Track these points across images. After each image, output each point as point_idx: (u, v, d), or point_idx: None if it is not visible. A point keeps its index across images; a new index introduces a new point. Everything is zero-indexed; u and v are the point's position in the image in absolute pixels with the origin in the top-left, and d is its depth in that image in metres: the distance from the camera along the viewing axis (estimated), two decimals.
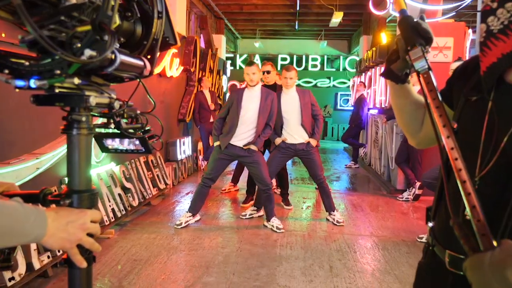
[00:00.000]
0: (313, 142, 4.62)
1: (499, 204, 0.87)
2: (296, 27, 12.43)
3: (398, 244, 3.99)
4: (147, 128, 1.11)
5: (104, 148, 1.14)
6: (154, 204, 5.25)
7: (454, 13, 5.90)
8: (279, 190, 5.54)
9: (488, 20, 0.91)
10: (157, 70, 5.80)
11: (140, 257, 3.54)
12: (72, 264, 0.93)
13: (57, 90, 0.85)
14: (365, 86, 8.90)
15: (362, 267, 3.45)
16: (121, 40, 0.94)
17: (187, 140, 7.06)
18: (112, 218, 4.10)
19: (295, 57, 14.85)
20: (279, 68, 14.47)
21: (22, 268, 2.74)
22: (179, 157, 6.61)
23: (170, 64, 6.36)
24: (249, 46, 15.00)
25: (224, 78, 11.09)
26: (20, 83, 0.83)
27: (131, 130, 1.06)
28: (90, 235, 0.92)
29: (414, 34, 1.00)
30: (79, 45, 0.79)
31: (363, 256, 3.71)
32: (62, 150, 3.41)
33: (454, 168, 0.85)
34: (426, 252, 1.18)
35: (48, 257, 3.04)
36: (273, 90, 5.16)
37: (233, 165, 6.89)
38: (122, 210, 4.33)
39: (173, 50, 6.31)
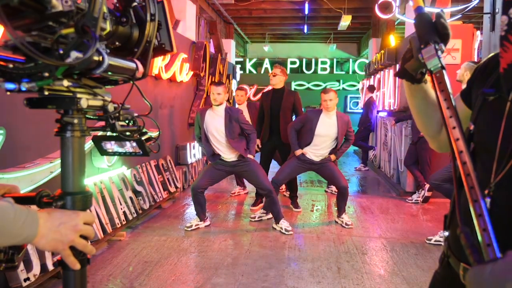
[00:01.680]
0: (333, 158, 4.69)
1: None
2: (305, 31, 12.48)
3: (406, 246, 4.00)
4: (144, 131, 1.10)
5: (103, 151, 1.16)
6: (165, 207, 5.33)
7: (461, 15, 5.89)
8: (288, 193, 5.58)
9: (511, 12, 0.84)
10: (167, 75, 5.90)
11: (151, 259, 3.61)
12: (66, 266, 0.93)
13: (46, 93, 0.87)
14: (369, 91, 8.89)
15: (370, 269, 3.47)
16: (117, 44, 0.95)
17: (197, 144, 7.14)
18: (124, 220, 4.18)
19: (304, 60, 14.90)
20: (288, 71, 14.55)
21: (36, 269, 2.83)
22: (189, 161, 6.69)
23: (180, 69, 6.45)
24: (258, 50, 15.09)
25: (234, 83, 11.17)
26: (10, 86, 0.83)
27: (127, 133, 1.06)
28: (84, 237, 0.91)
29: (429, 31, 0.95)
30: (61, 49, 0.80)
31: (371, 258, 3.73)
32: None
33: (462, 172, 0.81)
34: (441, 262, 1.13)
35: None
36: (280, 94, 5.23)
37: None
38: (133, 213, 4.41)
39: (183, 56, 6.41)
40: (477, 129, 0.95)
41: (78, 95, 0.91)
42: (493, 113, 0.92)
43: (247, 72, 14.88)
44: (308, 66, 14.82)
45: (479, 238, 0.73)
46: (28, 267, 2.78)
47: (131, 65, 0.97)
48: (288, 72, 14.91)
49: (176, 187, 5.79)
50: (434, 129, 1.16)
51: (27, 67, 0.82)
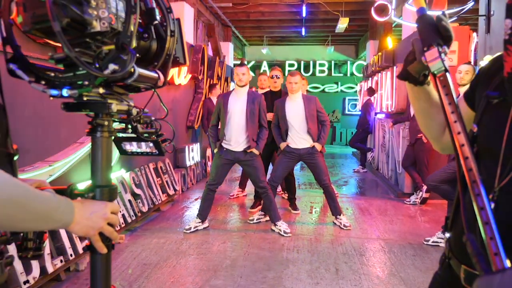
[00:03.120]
0: (318, 147, 4.67)
1: None
2: (303, 33, 12.53)
3: (404, 247, 4.02)
4: (160, 133, 1.24)
5: (122, 151, 1.29)
6: (164, 209, 5.35)
7: (456, 17, 5.93)
8: (287, 194, 5.60)
9: None
10: None
11: (150, 261, 3.62)
12: (94, 250, 1.05)
13: (85, 98, 1.01)
14: (369, 94, 8.92)
15: (368, 270, 3.49)
16: (137, 56, 1.05)
17: (196, 147, 7.17)
18: (123, 223, 4.19)
19: (302, 63, 14.95)
20: (286, 73, 14.58)
21: (36, 272, 2.84)
22: (188, 164, 6.71)
23: (178, 72, 6.48)
24: (256, 53, 15.13)
25: (232, 85, 11.19)
26: (54, 92, 0.98)
27: (146, 134, 1.20)
28: (110, 225, 1.03)
29: (432, 33, 0.94)
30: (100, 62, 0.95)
31: (369, 259, 3.75)
32: (73, 157, 3.52)
33: (467, 179, 0.79)
34: (442, 264, 1.12)
35: (61, 261, 3.13)
36: (279, 97, 5.27)
37: (239, 171, 6.98)
38: (132, 216, 4.42)
39: None
40: (481, 132, 0.95)
41: (109, 101, 1.05)
42: (497, 116, 0.92)
43: None
44: (306, 69, 14.87)
45: (486, 247, 0.71)
46: (28, 269, 2.79)
47: (154, 75, 1.10)
48: (286, 74, 14.96)
49: (175, 190, 5.80)
50: (437, 131, 1.15)
51: (67, 76, 0.97)
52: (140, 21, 1.04)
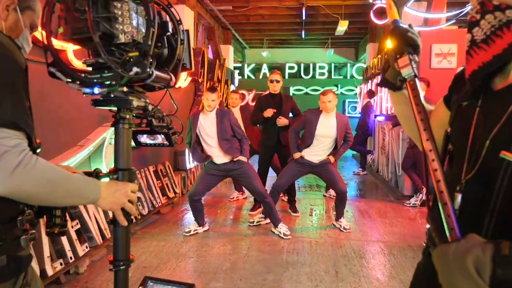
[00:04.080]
0: (332, 159, 4.67)
1: (482, 205, 0.89)
2: (303, 36, 12.55)
3: (404, 250, 4.03)
4: (170, 126, 1.46)
5: (137, 143, 1.50)
6: (163, 212, 5.35)
7: (455, 20, 5.95)
8: (286, 197, 5.61)
9: (473, 31, 0.96)
10: None
11: (150, 264, 3.63)
12: (117, 223, 1.29)
13: (112, 95, 1.22)
14: (369, 96, 8.94)
15: (368, 272, 3.49)
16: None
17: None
18: None
19: (302, 65, 14.96)
20: (286, 76, 14.59)
21: None
22: (187, 166, 6.71)
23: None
24: (256, 56, 15.16)
25: (232, 88, 11.22)
26: (87, 90, 1.20)
27: (159, 128, 1.42)
28: (130, 202, 1.25)
29: (402, 43, 1.07)
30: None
31: (369, 261, 3.75)
32: (73, 160, 3.52)
33: (430, 169, 0.92)
34: (423, 253, 1.22)
35: (61, 264, 3.14)
36: (279, 99, 5.29)
37: None
38: (132, 219, 4.42)
39: None
40: (453, 132, 1.06)
41: (130, 98, 1.26)
42: (465, 118, 1.01)
43: (246, 77, 14.93)
44: (306, 71, 14.88)
45: (444, 223, 0.85)
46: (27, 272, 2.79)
47: (167, 76, 1.32)
48: (286, 77, 14.94)
49: (175, 193, 5.81)
50: (417, 132, 1.23)
51: (95, 77, 1.18)
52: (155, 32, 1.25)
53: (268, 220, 4.83)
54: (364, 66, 12.17)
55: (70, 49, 3.61)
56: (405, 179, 6.17)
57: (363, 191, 7.12)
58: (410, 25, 1.11)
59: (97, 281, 3.26)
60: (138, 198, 4.72)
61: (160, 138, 1.48)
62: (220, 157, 4.42)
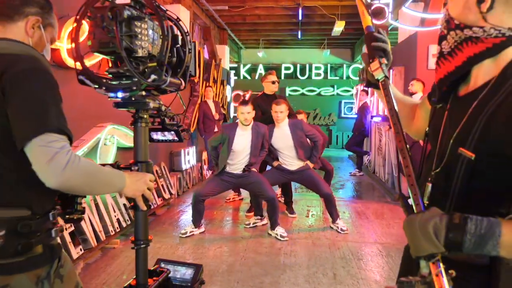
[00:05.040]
0: (310, 165, 4.71)
1: (445, 193, 1.06)
2: (299, 37, 12.52)
3: (401, 251, 3.98)
4: (180, 124, 1.68)
5: (150, 139, 1.66)
6: (159, 214, 5.30)
7: None
8: (283, 198, 5.57)
9: (442, 44, 1.10)
10: None
11: None
12: (137, 207, 1.49)
13: (133, 98, 1.45)
14: (367, 94, 8.93)
15: (366, 274, 3.46)
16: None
17: (192, 150, 7.12)
18: (117, 228, 4.14)
19: (298, 66, 14.93)
20: (282, 77, 14.55)
21: None
22: (183, 167, 6.66)
23: None
24: (252, 56, 15.11)
25: (228, 88, 11.17)
26: (112, 94, 1.42)
27: (170, 126, 1.65)
28: (148, 189, 1.47)
29: (373, 48, 1.21)
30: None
31: (366, 263, 3.72)
32: None
33: (402, 164, 1.08)
34: None
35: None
36: (272, 99, 5.26)
37: None
38: (127, 220, 4.37)
39: None
40: (429, 131, 1.21)
41: (147, 100, 1.49)
42: (437, 119, 1.16)
43: (241, 78, 14.88)
44: (302, 72, 14.85)
45: (411, 199, 1.04)
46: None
47: (178, 81, 1.55)
48: (282, 77, 14.92)
49: (171, 194, 5.75)
50: (405, 122, 1.38)
51: (115, 83, 1.40)
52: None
53: (264, 222, 4.79)
54: (360, 67, 12.18)
55: (63, 48, 3.55)
56: (402, 180, 6.12)
57: (360, 192, 7.10)
58: (379, 31, 1.24)
59: (92, 285, 3.21)
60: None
61: (170, 135, 1.68)
62: (236, 168, 4.44)
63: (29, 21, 1.32)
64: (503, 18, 0.99)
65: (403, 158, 1.08)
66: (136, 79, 1.35)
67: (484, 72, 1.05)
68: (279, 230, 4.39)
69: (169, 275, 1.75)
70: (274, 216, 4.43)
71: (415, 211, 1.02)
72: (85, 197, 1.48)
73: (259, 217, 4.86)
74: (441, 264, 0.93)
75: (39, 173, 1.15)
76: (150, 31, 1.39)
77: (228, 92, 11.26)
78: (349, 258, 3.82)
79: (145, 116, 1.52)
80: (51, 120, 1.17)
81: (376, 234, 4.57)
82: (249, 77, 15.08)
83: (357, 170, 8.93)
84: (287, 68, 14.95)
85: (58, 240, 1.38)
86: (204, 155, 7.95)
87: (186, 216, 5.25)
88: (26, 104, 1.17)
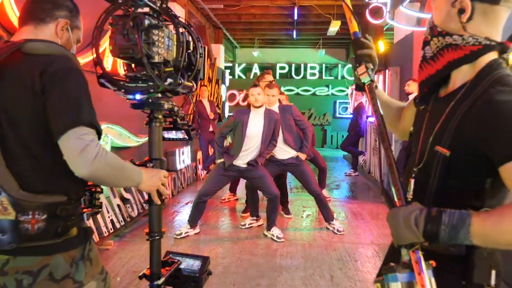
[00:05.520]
0: (302, 156, 4.64)
1: (424, 189, 1.15)
2: (294, 36, 12.49)
3: None
4: (189, 124, 1.78)
5: (163, 138, 1.74)
6: None
7: None
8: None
9: (425, 49, 1.21)
10: None
11: (140, 268, 3.51)
12: (152, 202, 1.60)
13: (150, 100, 1.56)
14: (363, 94, 8.91)
15: (363, 276, 3.43)
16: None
17: (186, 150, 7.06)
18: (111, 229, 4.08)
19: (293, 65, 14.89)
20: (277, 76, 14.50)
21: None
22: (178, 167, 6.59)
23: None
24: (247, 55, 15.06)
25: (223, 88, 11.11)
26: (130, 96, 1.53)
27: (181, 125, 1.76)
28: (162, 185, 1.57)
29: (359, 53, 1.32)
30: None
31: (364, 264, 3.69)
32: None
33: (386, 162, 1.18)
34: None
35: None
36: None
37: None
38: (121, 221, 4.31)
39: None
40: (413, 131, 1.31)
41: (161, 101, 1.59)
42: (420, 120, 1.26)
43: (236, 77, 14.81)
44: (297, 72, 14.81)
45: (394, 194, 1.14)
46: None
47: (190, 84, 1.66)
48: (277, 77, 14.87)
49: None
50: (391, 122, 1.50)
51: (131, 85, 1.51)
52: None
53: (260, 223, 4.75)
54: None
55: None
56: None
57: (355, 193, 7.08)
58: (366, 37, 1.35)
59: None
60: (127, 200, 4.61)
61: (181, 134, 1.78)
62: (243, 160, 4.35)
63: (59, 23, 1.43)
64: (480, 28, 1.09)
65: (387, 156, 1.18)
66: (151, 83, 1.47)
67: (462, 76, 1.14)
68: (275, 231, 4.35)
69: (179, 266, 1.84)
70: (273, 215, 4.38)
71: (397, 205, 1.11)
72: (102, 192, 1.56)
73: (254, 218, 4.81)
74: (420, 252, 1.03)
75: (71, 163, 1.26)
76: (166, 39, 1.48)
77: (223, 92, 11.20)
78: (346, 260, 3.78)
79: (159, 116, 1.62)
80: (84, 114, 1.29)
81: (373, 235, 4.55)
82: (244, 77, 15.01)
83: (352, 170, 8.91)
84: (282, 68, 14.90)
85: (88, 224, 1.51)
86: (199, 155, 7.89)
87: (181, 216, 5.19)
88: (63, 100, 1.30)
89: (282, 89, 14.37)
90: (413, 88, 5.82)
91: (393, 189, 1.14)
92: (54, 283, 1.33)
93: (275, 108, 4.67)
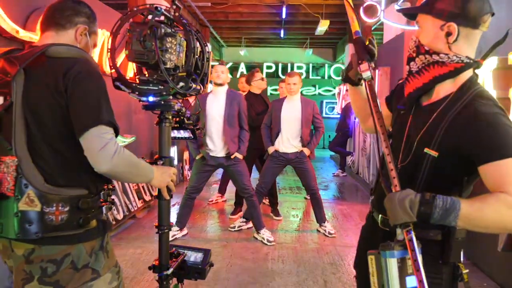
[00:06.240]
0: (307, 152, 4.51)
1: (412, 182, 1.32)
2: (282, 35, 12.39)
3: None
4: (195, 124, 1.88)
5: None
6: (139, 217, 5.07)
7: None
8: (267, 199, 5.42)
9: (411, 64, 1.38)
10: None
11: (126, 274, 3.36)
12: (161, 196, 1.71)
13: (162, 102, 1.66)
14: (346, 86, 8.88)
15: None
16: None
17: (173, 150, 6.90)
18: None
19: (280, 65, 14.81)
20: (264, 76, 14.38)
21: None
22: None
23: None
24: (234, 54, 14.91)
25: (209, 87, 10.95)
26: (144, 98, 1.61)
27: (186, 125, 1.85)
28: (171, 181, 1.67)
29: (364, 52, 1.41)
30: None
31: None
32: None
33: (385, 152, 1.30)
34: (367, 218, 1.64)
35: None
36: (261, 99, 5.12)
37: (218, 175, 6.77)
38: (113, 221, 4.13)
39: None
40: (394, 132, 1.48)
41: (172, 103, 1.70)
42: (402, 122, 1.42)
43: None
44: (284, 71, 14.70)
45: (391, 184, 1.26)
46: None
47: (198, 86, 1.71)
48: (264, 76, 14.77)
49: (151, 196, 5.53)
50: (364, 117, 1.68)
51: (142, 88, 1.60)
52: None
53: (249, 225, 4.63)
54: (342, 66, 12.13)
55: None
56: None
57: (344, 194, 7.02)
58: (370, 40, 1.44)
59: None
60: (112, 202, 4.45)
61: (186, 133, 1.86)
62: (218, 148, 4.19)
63: (79, 29, 1.53)
64: (463, 49, 1.29)
65: (386, 147, 1.30)
66: (162, 87, 1.56)
67: (445, 88, 1.33)
68: (266, 234, 4.24)
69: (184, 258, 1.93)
70: (255, 214, 4.28)
71: (393, 190, 1.25)
72: (114, 190, 1.65)
73: (244, 220, 4.69)
74: (412, 231, 1.16)
75: (91, 159, 1.35)
76: (178, 46, 1.55)
77: (209, 90, 11.03)
78: (338, 264, 3.70)
79: (169, 117, 1.71)
80: (104, 114, 1.38)
81: None
82: (230, 76, 14.86)
83: (340, 170, 8.87)
84: (269, 67, 14.80)
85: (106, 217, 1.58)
86: (186, 155, 7.73)
87: None
88: (84, 100, 1.38)
89: (269, 88, 14.32)
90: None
91: (390, 177, 1.27)
92: (75, 271, 1.41)
93: (297, 99, 4.54)
